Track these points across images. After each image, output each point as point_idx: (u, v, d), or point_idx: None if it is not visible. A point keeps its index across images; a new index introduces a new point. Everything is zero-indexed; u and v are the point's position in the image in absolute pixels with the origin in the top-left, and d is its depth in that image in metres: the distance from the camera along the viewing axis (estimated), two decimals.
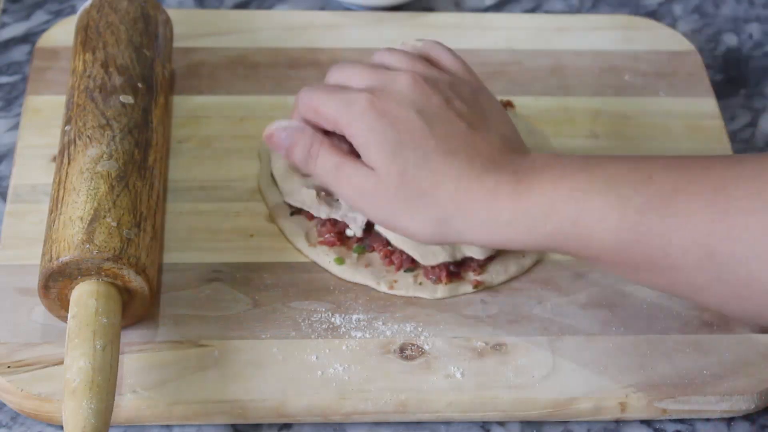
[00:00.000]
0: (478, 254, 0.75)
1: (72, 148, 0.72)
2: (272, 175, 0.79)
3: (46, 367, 0.69)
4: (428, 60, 0.73)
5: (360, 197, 0.68)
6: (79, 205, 0.69)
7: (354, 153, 0.69)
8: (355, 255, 0.75)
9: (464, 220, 0.67)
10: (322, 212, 0.76)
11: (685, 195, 0.62)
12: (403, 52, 0.73)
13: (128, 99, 0.76)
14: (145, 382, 0.69)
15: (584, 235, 0.64)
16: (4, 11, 0.93)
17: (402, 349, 0.71)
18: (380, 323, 0.73)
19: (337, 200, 0.76)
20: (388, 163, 0.67)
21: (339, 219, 0.75)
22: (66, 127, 0.74)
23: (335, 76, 0.73)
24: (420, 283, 0.74)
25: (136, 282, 0.68)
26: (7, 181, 0.80)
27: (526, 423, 0.71)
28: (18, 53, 0.90)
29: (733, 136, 0.87)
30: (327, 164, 0.69)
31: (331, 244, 0.75)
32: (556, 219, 0.64)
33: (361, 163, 0.68)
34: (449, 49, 0.74)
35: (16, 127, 0.84)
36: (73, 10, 0.93)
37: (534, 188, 0.65)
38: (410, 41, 0.75)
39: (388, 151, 0.67)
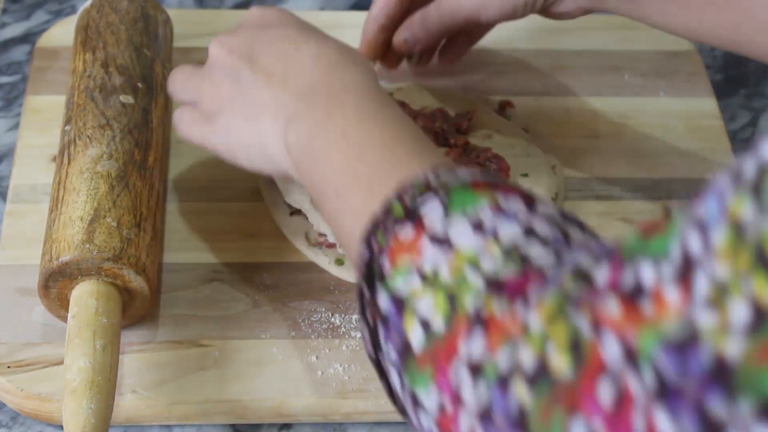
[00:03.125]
0: None
1: (72, 148, 0.72)
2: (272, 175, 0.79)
3: (46, 367, 0.69)
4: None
5: None
6: (79, 205, 0.69)
7: None
8: None
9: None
10: (315, 219, 0.75)
11: None
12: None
13: (128, 99, 0.75)
14: (145, 382, 0.69)
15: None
16: (4, 11, 0.93)
17: None
18: None
19: None
20: None
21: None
22: (66, 127, 0.74)
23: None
24: None
25: (136, 282, 0.68)
26: (7, 181, 0.80)
27: None
28: (18, 53, 0.90)
29: (733, 136, 0.87)
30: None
31: (331, 246, 0.75)
32: None
33: None
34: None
35: (16, 127, 0.84)
36: (73, 10, 0.93)
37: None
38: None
39: None
